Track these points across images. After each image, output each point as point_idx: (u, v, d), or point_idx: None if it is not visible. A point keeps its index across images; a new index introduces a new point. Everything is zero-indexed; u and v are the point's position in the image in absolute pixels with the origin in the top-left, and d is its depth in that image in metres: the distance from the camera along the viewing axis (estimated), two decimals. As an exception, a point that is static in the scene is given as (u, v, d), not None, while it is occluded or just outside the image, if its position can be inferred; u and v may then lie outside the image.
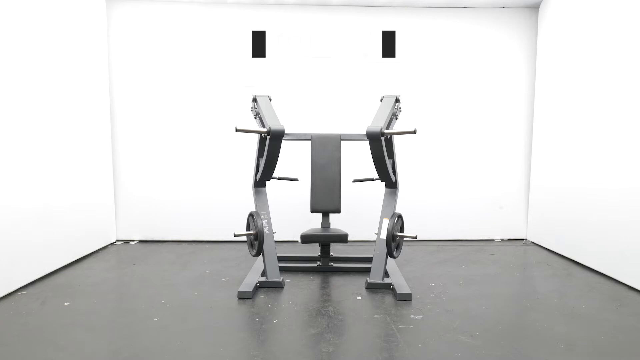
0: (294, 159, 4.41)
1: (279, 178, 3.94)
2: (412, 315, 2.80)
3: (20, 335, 2.51)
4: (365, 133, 3.25)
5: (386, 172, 3.49)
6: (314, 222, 4.00)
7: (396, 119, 3.81)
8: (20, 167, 3.30)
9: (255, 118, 3.86)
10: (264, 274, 3.48)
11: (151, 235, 5.00)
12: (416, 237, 3.25)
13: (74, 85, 4.07)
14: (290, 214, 4.58)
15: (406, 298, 3.09)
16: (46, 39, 3.66)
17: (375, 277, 3.39)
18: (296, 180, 4.08)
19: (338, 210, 3.77)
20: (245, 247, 4.13)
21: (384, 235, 3.39)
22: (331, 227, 3.83)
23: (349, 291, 3.30)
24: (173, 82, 4.88)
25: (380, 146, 3.26)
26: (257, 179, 3.68)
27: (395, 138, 3.71)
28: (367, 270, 3.57)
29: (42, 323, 2.68)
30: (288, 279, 3.56)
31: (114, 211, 4.92)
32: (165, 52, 4.84)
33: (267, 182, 3.75)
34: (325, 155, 3.82)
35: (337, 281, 3.57)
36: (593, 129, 3.88)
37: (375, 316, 2.81)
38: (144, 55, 4.83)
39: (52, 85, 3.74)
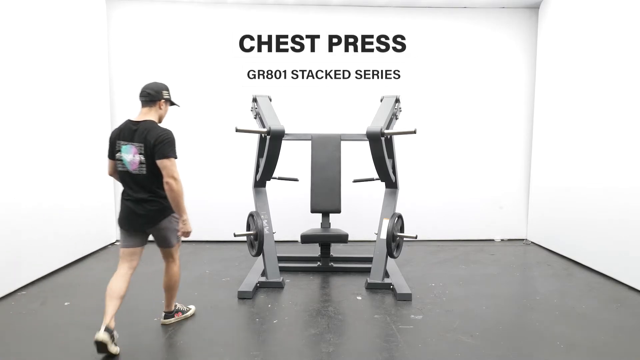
0: (294, 159, 4.41)
1: (279, 178, 3.93)
2: (412, 315, 2.80)
3: (20, 335, 2.51)
4: (365, 133, 3.25)
5: (386, 172, 3.49)
6: (314, 222, 3.99)
7: (396, 119, 3.81)
8: (20, 167, 3.30)
9: (255, 118, 3.86)
10: (264, 274, 3.48)
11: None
12: (416, 237, 3.25)
13: (74, 86, 4.07)
14: (290, 214, 4.57)
15: (406, 298, 3.09)
16: (47, 40, 3.66)
17: (375, 277, 3.38)
18: (296, 180, 4.08)
19: (338, 211, 3.77)
20: (246, 247, 4.12)
21: (384, 235, 3.39)
22: (331, 227, 3.83)
23: (349, 291, 3.30)
24: (173, 81, 4.80)
25: (381, 146, 3.26)
26: (257, 179, 3.68)
27: (395, 138, 3.71)
28: (367, 270, 3.57)
29: (42, 323, 2.68)
30: (288, 279, 3.56)
31: (114, 211, 4.91)
32: (165, 52, 4.83)
33: (267, 182, 3.75)
34: (326, 155, 3.82)
35: (337, 281, 3.57)
36: (593, 129, 3.88)
37: (375, 316, 2.81)
38: (144, 55, 4.82)
39: (53, 86, 3.73)
